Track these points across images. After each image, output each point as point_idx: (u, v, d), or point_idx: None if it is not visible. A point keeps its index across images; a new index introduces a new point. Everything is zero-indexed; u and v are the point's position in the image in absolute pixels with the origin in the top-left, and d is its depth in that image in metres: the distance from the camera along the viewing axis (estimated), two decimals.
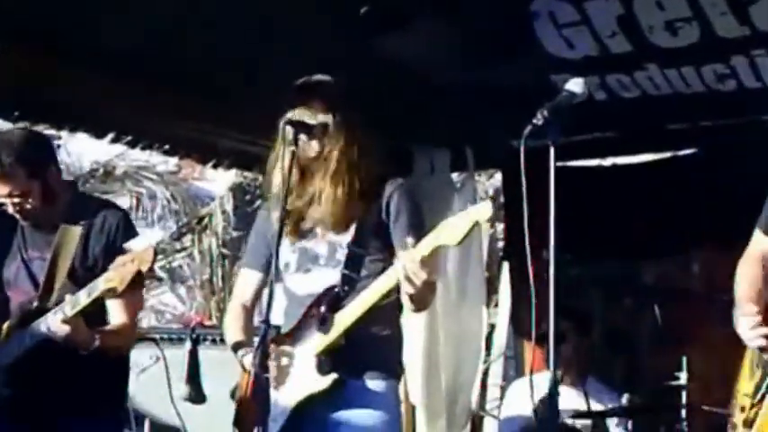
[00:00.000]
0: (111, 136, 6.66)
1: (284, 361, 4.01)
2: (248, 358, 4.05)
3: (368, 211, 4.09)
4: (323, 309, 3.99)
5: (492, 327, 8.03)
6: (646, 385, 6.58)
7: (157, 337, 6.05)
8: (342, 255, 4.09)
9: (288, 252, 4.14)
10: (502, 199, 8.26)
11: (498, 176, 9.29)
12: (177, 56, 5.80)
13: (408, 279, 3.74)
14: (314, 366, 3.96)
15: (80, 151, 14.05)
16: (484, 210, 3.71)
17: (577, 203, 5.45)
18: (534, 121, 3.44)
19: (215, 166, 7.76)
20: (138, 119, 6.54)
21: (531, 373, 5.67)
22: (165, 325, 12.21)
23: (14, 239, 4.50)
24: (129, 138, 6.85)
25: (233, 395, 4.16)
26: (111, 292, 4.06)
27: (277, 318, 4.03)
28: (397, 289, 3.87)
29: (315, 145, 4.06)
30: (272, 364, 3.97)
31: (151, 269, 4.02)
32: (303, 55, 5.38)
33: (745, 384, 4.00)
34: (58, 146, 14.27)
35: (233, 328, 4.27)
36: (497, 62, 6.14)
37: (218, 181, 13.54)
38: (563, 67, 5.89)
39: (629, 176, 7.39)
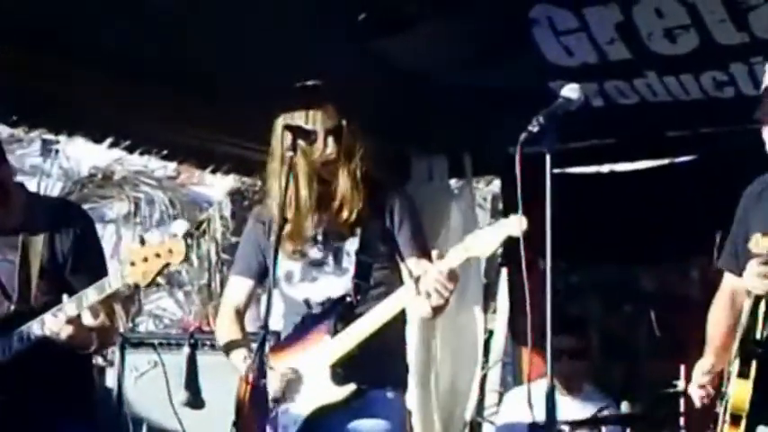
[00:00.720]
0: (109, 140, 6.64)
1: (293, 376, 4.00)
2: (237, 355, 4.06)
3: (372, 217, 4.09)
4: (334, 318, 3.99)
5: (490, 333, 8.03)
6: (644, 392, 6.57)
7: (156, 342, 6.04)
8: (348, 262, 4.08)
9: (288, 260, 4.13)
10: (500, 206, 8.26)
11: (496, 183, 9.29)
12: (176, 60, 5.79)
13: (437, 291, 3.75)
14: (328, 377, 3.96)
15: (78, 156, 14.04)
16: (516, 224, 3.67)
17: (575, 210, 5.46)
18: (530, 127, 3.44)
19: (213, 172, 7.73)
20: (137, 123, 6.52)
21: (529, 381, 5.66)
22: (164, 330, 12.20)
23: None
24: (128, 142, 6.83)
25: None
26: (133, 289, 3.99)
27: (275, 324, 4.02)
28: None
29: (332, 146, 4.05)
30: (278, 378, 3.96)
31: (184, 261, 3.95)
32: (301, 60, 5.38)
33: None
34: (57, 150, 14.29)
35: (225, 329, 4.26)
36: (496, 69, 6.14)
37: (216, 186, 13.52)
38: (561, 74, 5.89)
39: (627, 183, 7.39)
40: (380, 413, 4.02)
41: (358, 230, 4.09)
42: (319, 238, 4.13)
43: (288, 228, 4.00)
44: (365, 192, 4.07)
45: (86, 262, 4.25)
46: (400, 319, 4.05)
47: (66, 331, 4.04)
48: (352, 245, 4.09)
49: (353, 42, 5.74)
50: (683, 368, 6.05)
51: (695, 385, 4.06)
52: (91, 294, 4.03)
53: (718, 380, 4.00)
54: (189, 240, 3.94)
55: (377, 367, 3.98)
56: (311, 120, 4.05)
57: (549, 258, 3.36)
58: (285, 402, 3.99)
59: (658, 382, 6.21)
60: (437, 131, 6.99)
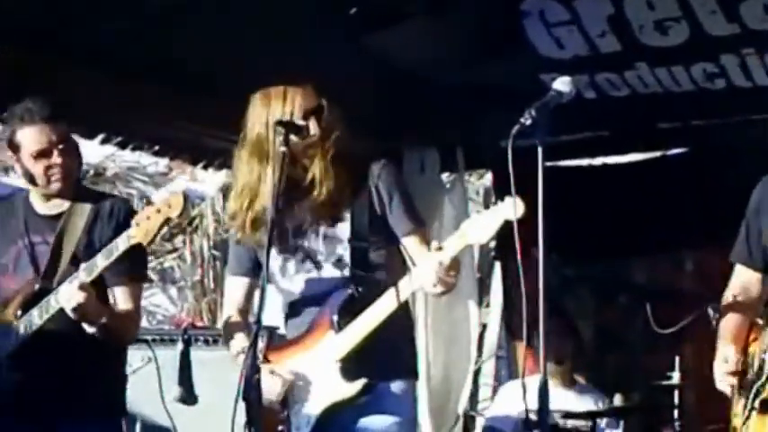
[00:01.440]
0: (101, 137, 6.64)
1: (299, 383, 3.98)
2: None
3: (357, 199, 4.04)
4: (336, 312, 3.95)
5: (484, 326, 8.03)
6: (638, 385, 6.58)
7: (149, 338, 6.02)
8: (342, 249, 4.05)
9: (282, 253, 4.10)
10: (493, 199, 8.25)
11: (488, 177, 9.28)
12: (167, 56, 5.79)
13: (441, 281, 3.75)
14: (337, 373, 3.91)
15: None
16: (512, 207, 3.58)
17: (568, 203, 5.46)
18: (522, 120, 3.43)
19: (205, 167, 7.73)
20: (128, 120, 6.52)
21: (523, 375, 5.66)
22: (157, 326, 12.16)
23: (11, 225, 4.46)
24: (120, 139, 6.84)
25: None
26: (137, 249, 4.01)
27: (270, 319, 3.99)
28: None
29: (314, 127, 4.00)
30: (281, 384, 3.94)
31: (181, 215, 3.96)
32: (293, 55, 5.38)
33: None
34: None
35: (237, 335, 4.20)
36: (487, 62, 6.14)
37: (208, 182, 13.49)
38: (553, 67, 5.89)
39: (619, 176, 7.39)
40: (390, 408, 3.97)
41: (347, 216, 4.05)
42: (306, 227, 4.09)
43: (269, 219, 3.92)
44: (344, 173, 4.00)
45: (122, 254, 4.24)
46: (405, 307, 4.01)
47: (77, 298, 4.06)
48: (343, 231, 4.05)
49: (346, 37, 5.73)
50: (677, 360, 6.07)
51: (724, 375, 4.01)
52: (100, 260, 4.08)
53: (743, 367, 3.98)
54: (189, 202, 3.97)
55: (385, 359, 3.93)
56: (290, 98, 4.01)
57: (542, 251, 3.35)
58: (296, 404, 3.96)
59: (653, 374, 6.23)
60: (429, 125, 6.99)
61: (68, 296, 4.08)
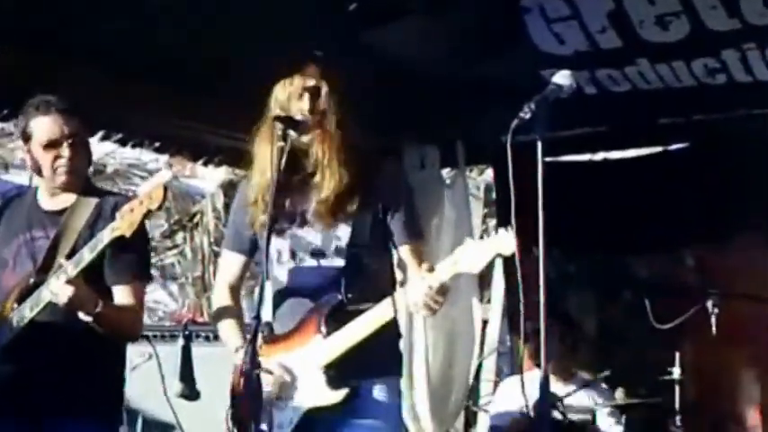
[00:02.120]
0: (101, 134, 6.64)
1: (287, 379, 3.99)
2: (231, 338, 4.09)
3: (362, 204, 4.02)
4: (325, 316, 3.95)
5: (485, 322, 8.04)
6: (639, 380, 6.57)
7: (150, 334, 6.03)
8: (337, 244, 4.04)
9: (277, 239, 4.07)
10: (494, 195, 8.26)
11: (489, 172, 9.29)
12: (167, 53, 5.79)
13: (427, 306, 3.76)
14: (322, 380, 3.92)
15: None
16: (506, 242, 3.63)
17: (568, 198, 5.45)
18: (521, 114, 3.43)
19: (206, 164, 7.75)
20: (129, 117, 6.52)
21: (521, 371, 5.66)
22: (158, 322, 12.19)
23: (16, 220, 4.46)
24: (120, 136, 6.84)
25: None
26: (120, 241, 3.99)
27: (266, 312, 3.98)
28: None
29: (307, 102, 4.01)
30: (271, 380, 3.94)
31: (160, 208, 3.94)
32: (292, 51, 5.37)
33: None
34: None
35: (230, 330, 4.21)
36: (488, 57, 6.14)
37: (208, 178, 13.50)
38: (553, 62, 5.88)
39: (620, 171, 7.39)
40: (375, 413, 3.98)
41: (350, 217, 4.03)
42: (307, 217, 4.08)
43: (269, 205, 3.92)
44: (350, 171, 4.00)
45: (123, 254, 4.24)
46: (393, 322, 4.01)
47: (66, 293, 4.06)
48: (344, 232, 4.05)
49: (346, 34, 5.73)
50: (677, 356, 6.08)
51: None
52: (87, 253, 4.08)
53: None
54: (168, 190, 3.95)
55: (370, 364, 3.94)
56: (289, 81, 4.04)
57: (542, 246, 3.35)
58: (280, 402, 3.97)
59: (654, 369, 6.23)
60: (429, 120, 6.99)
61: (56, 290, 4.08)
